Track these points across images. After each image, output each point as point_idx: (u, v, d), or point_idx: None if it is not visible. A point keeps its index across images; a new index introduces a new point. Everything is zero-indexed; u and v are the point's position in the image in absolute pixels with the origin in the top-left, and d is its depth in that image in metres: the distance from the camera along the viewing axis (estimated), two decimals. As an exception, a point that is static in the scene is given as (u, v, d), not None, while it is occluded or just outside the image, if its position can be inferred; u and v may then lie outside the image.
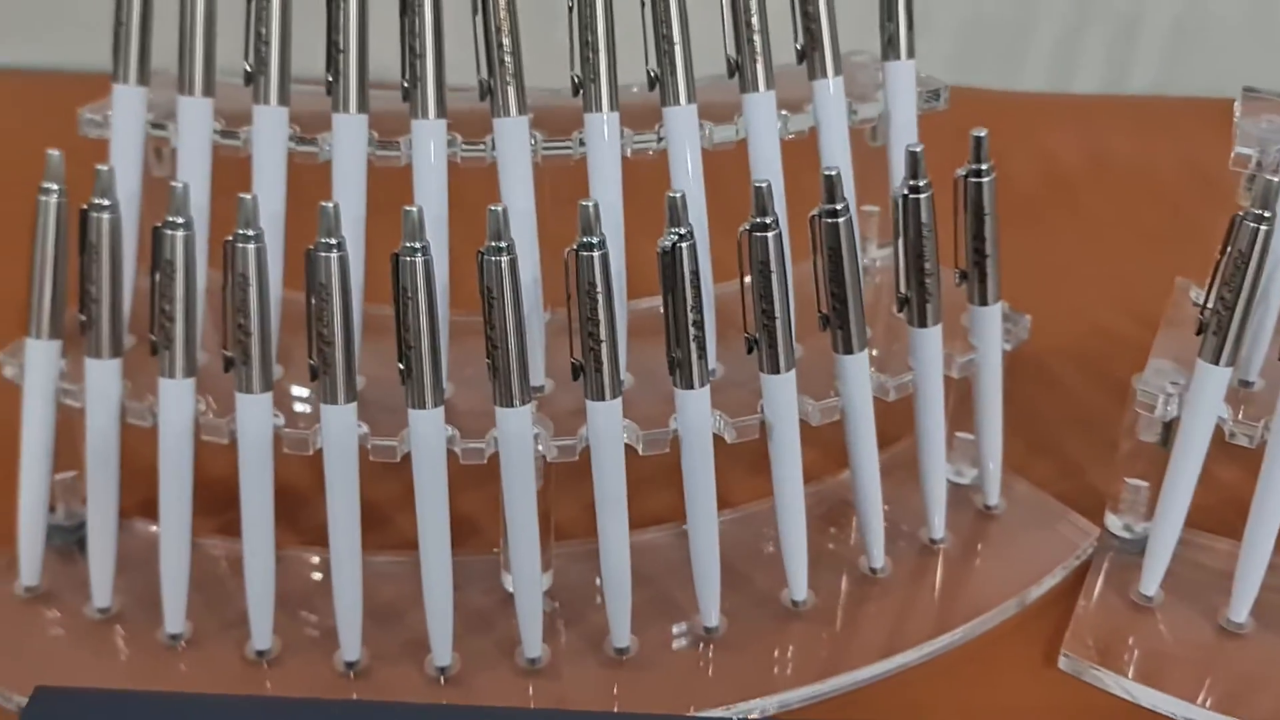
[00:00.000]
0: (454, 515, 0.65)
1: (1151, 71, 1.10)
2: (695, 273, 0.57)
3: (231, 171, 0.64)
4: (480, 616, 0.65)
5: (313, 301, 0.57)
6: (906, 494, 0.70)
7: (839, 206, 0.58)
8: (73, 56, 1.04)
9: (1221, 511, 0.69)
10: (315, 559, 0.68)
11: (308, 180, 0.64)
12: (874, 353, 0.67)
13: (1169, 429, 0.64)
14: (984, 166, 0.61)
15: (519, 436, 0.58)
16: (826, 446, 0.70)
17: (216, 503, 0.66)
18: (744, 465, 0.67)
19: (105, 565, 0.63)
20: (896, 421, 0.68)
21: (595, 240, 0.56)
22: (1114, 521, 0.69)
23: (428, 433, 0.58)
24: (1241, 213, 0.59)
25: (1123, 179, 1.00)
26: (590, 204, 0.56)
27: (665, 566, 0.67)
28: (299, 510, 0.69)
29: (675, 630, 0.64)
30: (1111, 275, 0.90)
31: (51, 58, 1.12)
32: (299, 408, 0.63)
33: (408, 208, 0.56)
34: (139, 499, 0.67)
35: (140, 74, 0.62)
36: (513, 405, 0.58)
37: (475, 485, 0.63)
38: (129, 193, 0.62)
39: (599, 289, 0.56)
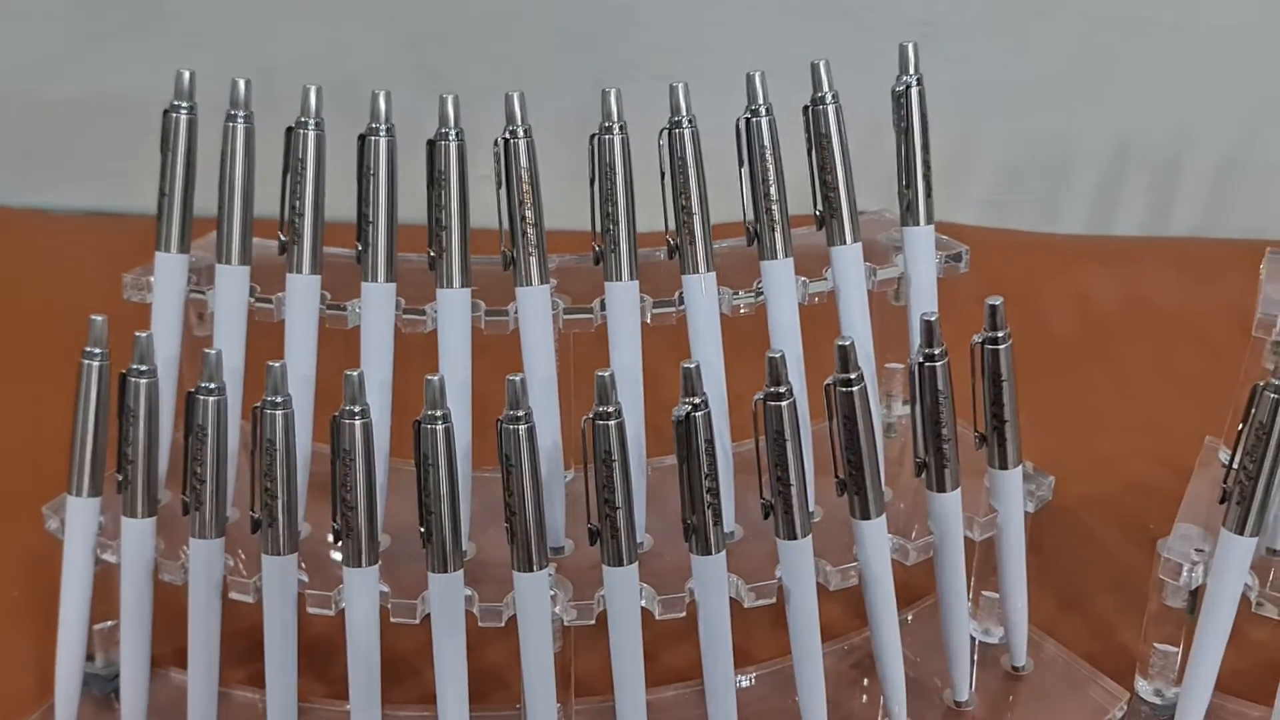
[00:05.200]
0: (479, 667, 0.65)
1: (1193, 213, 1.10)
2: (710, 441, 0.58)
3: (273, 332, 0.67)
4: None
5: (337, 467, 0.58)
6: (935, 652, 0.69)
7: (853, 376, 0.59)
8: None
9: (1255, 675, 0.68)
10: (341, 711, 0.68)
11: (353, 344, 0.66)
12: (901, 505, 0.67)
13: (1195, 596, 0.64)
14: (1000, 334, 0.62)
15: (535, 601, 0.59)
16: (853, 601, 0.69)
17: (255, 650, 0.68)
18: (768, 620, 0.67)
19: (137, 717, 0.64)
20: (926, 575, 0.68)
21: (611, 409, 0.57)
22: (1144, 686, 0.68)
23: (446, 596, 0.59)
24: (1262, 383, 0.59)
25: (1162, 324, 0.99)
26: (606, 374, 0.57)
27: (688, 725, 0.67)
28: (330, 660, 0.70)
29: (695, 794, 0.64)
30: (1148, 425, 0.89)
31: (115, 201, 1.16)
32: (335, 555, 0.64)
33: (429, 377, 0.57)
34: (176, 647, 0.68)
35: (181, 243, 0.65)
36: (530, 570, 0.58)
37: (501, 636, 0.63)
38: (168, 356, 0.65)
39: (615, 457, 0.57)
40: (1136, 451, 0.87)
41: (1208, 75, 1.07)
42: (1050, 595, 0.75)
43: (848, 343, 0.58)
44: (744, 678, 0.70)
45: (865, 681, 0.71)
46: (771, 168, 0.62)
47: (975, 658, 0.71)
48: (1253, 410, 0.59)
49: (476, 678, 0.64)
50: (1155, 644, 0.66)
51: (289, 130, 0.62)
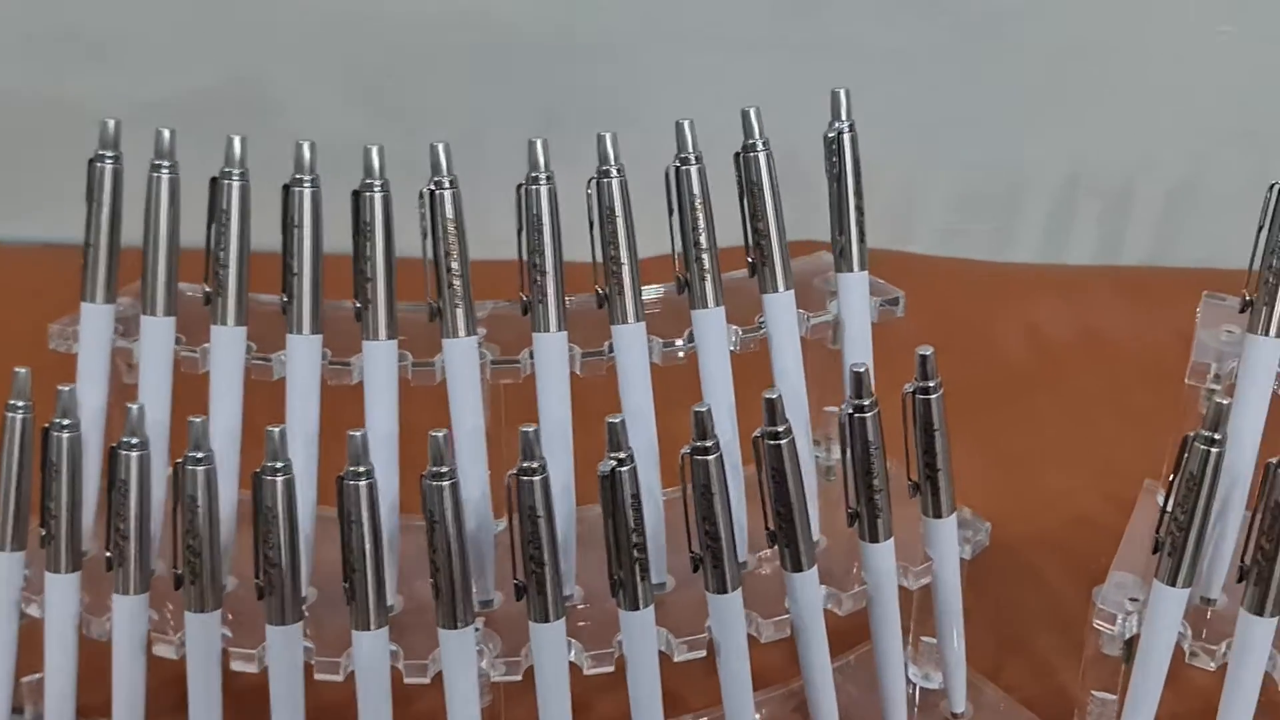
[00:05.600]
0: (411, 717, 0.65)
1: (1146, 242, 1.10)
2: (636, 496, 0.57)
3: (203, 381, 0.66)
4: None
5: (259, 524, 0.58)
6: (875, 698, 0.68)
7: (780, 429, 0.58)
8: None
9: (1193, 719, 0.68)
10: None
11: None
12: (838, 552, 0.67)
13: (1131, 645, 0.63)
14: (931, 384, 0.61)
15: (460, 659, 0.58)
16: (793, 644, 0.69)
17: (185, 702, 0.67)
18: (704, 665, 0.67)
19: (62, 775, 0.64)
20: (865, 619, 0.67)
21: (535, 465, 0.56)
22: (1082, 733, 0.67)
23: (370, 655, 0.58)
24: (1192, 434, 0.58)
25: (1114, 354, 0.99)
26: (530, 430, 0.56)
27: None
28: (260, 711, 0.69)
29: None
30: (1097, 458, 0.89)
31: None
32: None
33: (351, 432, 0.57)
34: (106, 697, 0.67)
35: (107, 293, 0.64)
36: (454, 627, 0.58)
37: (432, 688, 0.62)
38: (94, 407, 0.64)
39: (540, 513, 0.57)
40: (1083, 487, 0.86)
41: (1159, 104, 1.07)
42: (991, 637, 0.75)
43: (775, 396, 0.58)
44: (681, 724, 0.69)
45: (807, 722, 0.70)
46: (701, 216, 0.62)
47: (918, 702, 0.71)
48: (1184, 460, 0.59)
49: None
50: (1093, 691, 0.66)
51: (213, 180, 0.62)
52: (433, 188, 0.60)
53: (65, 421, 0.59)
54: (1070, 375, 0.97)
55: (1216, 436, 0.58)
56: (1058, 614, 0.77)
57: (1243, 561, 0.59)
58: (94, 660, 0.64)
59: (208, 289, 0.62)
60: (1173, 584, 0.59)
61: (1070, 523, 0.83)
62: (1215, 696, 0.61)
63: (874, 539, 0.62)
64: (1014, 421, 0.93)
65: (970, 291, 1.04)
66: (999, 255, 1.11)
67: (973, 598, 0.68)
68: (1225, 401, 0.58)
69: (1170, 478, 0.60)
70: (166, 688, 0.65)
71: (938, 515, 0.64)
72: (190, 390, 0.66)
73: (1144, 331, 1.00)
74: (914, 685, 0.71)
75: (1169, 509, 0.59)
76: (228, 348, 0.62)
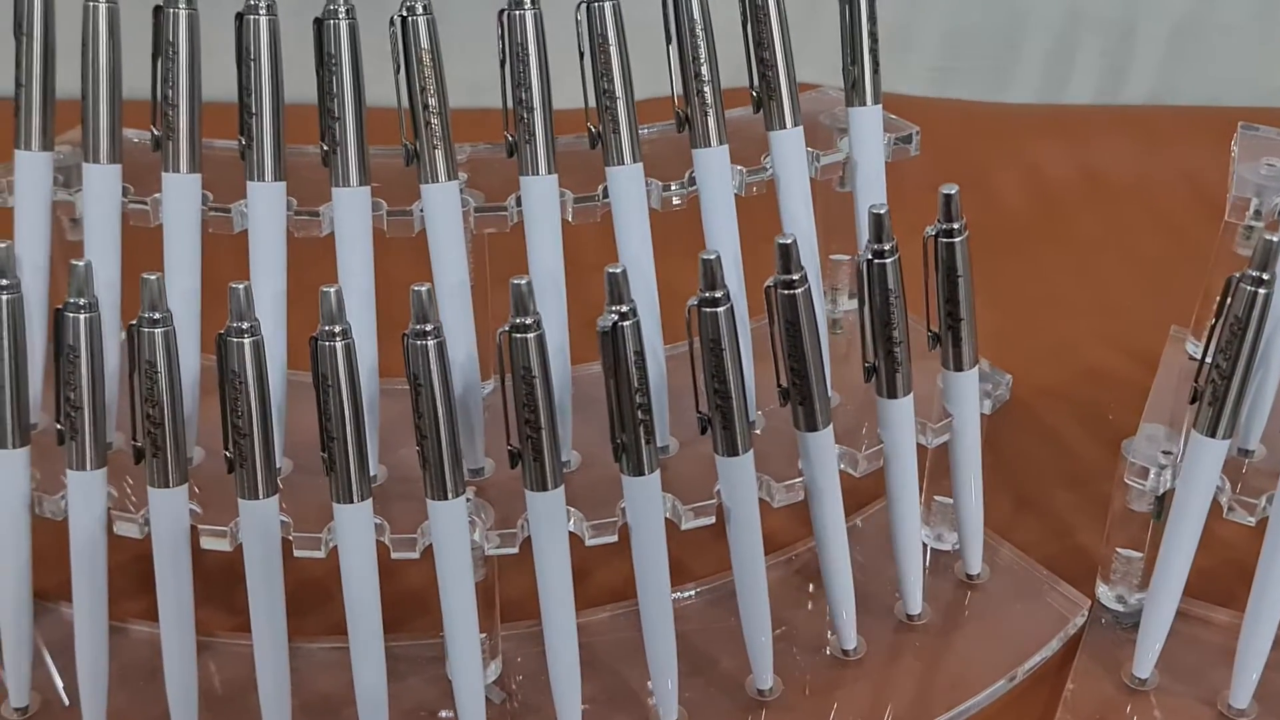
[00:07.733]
0: (398, 592, 0.61)
1: (1148, 80, 1.05)
2: (640, 353, 0.52)
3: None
4: (423, 708, 0.60)
5: (227, 390, 0.52)
6: (884, 562, 0.65)
7: (795, 277, 0.53)
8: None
9: (1222, 576, 0.65)
10: (246, 645, 0.63)
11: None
12: (849, 407, 0.63)
13: (1162, 500, 0.60)
14: (955, 225, 0.56)
15: (452, 531, 0.54)
16: (799, 507, 0.65)
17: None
18: (710, 530, 0.63)
19: (21, 664, 0.59)
20: (875, 478, 0.63)
21: (529, 321, 0.51)
22: (1105, 592, 0.64)
23: (353, 529, 0.54)
24: (1238, 275, 0.54)
25: (1118, 196, 0.94)
26: (522, 281, 0.51)
27: (623, 649, 0.62)
28: (234, 590, 0.65)
29: (632, 725, 0.60)
30: (1106, 306, 0.85)
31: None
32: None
33: (325, 288, 0.51)
34: (65, 579, 0.63)
35: (44, 139, 0.58)
36: (444, 498, 0.53)
37: (422, 558, 0.58)
38: (35, 266, 0.58)
39: (535, 374, 0.52)
40: (1093, 336, 0.82)
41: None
42: (1006, 494, 0.71)
43: (789, 240, 0.53)
44: (684, 594, 0.66)
45: (810, 588, 0.67)
46: (703, 45, 0.56)
47: (930, 564, 0.67)
48: (1227, 304, 0.54)
49: (397, 604, 0.59)
50: (1118, 549, 0.63)
51: (157, 9, 0.55)
52: (405, 14, 0.54)
53: (4, 282, 0.53)
54: (1073, 220, 0.93)
55: (1265, 276, 0.53)
56: (1073, 469, 0.74)
57: (1288, 410, 0.55)
58: (53, 541, 0.59)
59: (156, 132, 0.56)
60: (1213, 435, 0.56)
61: (1082, 374, 0.79)
62: (1245, 552, 0.58)
63: (892, 394, 0.58)
64: (1017, 269, 0.88)
65: (966, 134, 0.99)
66: (996, 96, 1.05)
67: (984, 455, 0.63)
68: (1275, 238, 0.53)
69: (1210, 322, 0.55)
70: (133, 566, 0.61)
71: (959, 368, 0.59)
72: (144, 248, 0.60)
73: (1149, 174, 0.95)
74: (926, 547, 0.68)
75: (1210, 356, 0.55)
76: (181, 197, 0.56)
